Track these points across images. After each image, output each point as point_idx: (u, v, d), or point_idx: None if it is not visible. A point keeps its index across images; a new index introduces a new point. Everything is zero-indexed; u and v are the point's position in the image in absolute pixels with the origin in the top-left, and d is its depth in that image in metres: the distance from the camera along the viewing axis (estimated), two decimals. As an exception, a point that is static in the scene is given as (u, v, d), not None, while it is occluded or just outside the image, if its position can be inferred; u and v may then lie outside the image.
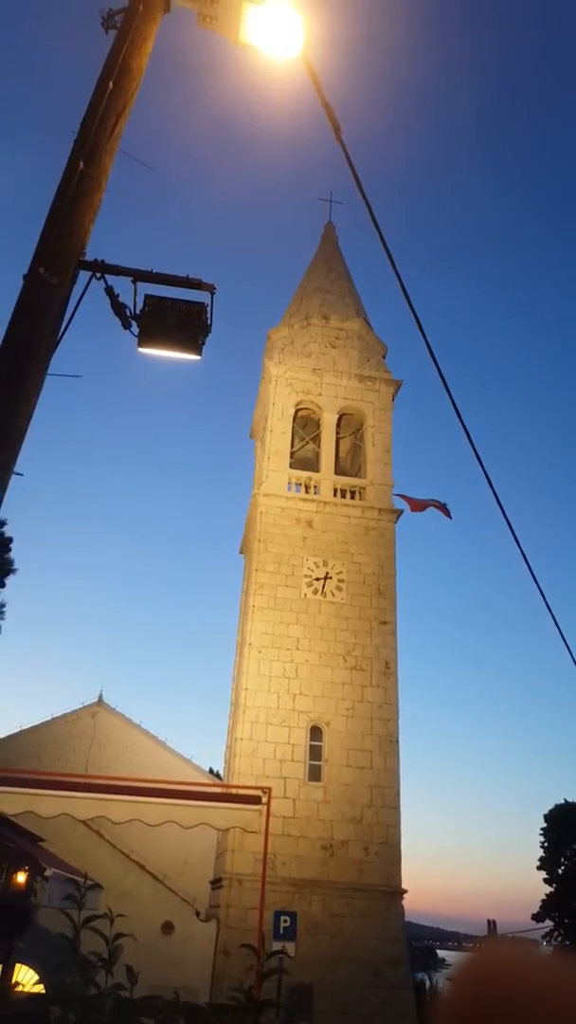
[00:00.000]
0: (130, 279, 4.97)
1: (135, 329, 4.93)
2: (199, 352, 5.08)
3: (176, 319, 4.98)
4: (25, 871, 14.94)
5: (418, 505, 21.73)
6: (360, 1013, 15.79)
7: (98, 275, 4.89)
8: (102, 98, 5.43)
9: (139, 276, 4.98)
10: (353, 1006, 15.83)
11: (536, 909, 34.21)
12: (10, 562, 19.33)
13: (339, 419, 23.49)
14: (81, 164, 5.12)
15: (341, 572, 20.59)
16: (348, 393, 23.46)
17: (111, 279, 4.94)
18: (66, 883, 12.41)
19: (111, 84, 5.46)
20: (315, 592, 20.19)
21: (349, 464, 24.70)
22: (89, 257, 5.02)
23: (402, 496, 22.01)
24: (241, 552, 24.98)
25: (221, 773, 23.89)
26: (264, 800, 9.20)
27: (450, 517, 21.90)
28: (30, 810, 9.29)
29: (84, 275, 4.98)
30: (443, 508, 21.78)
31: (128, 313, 4.93)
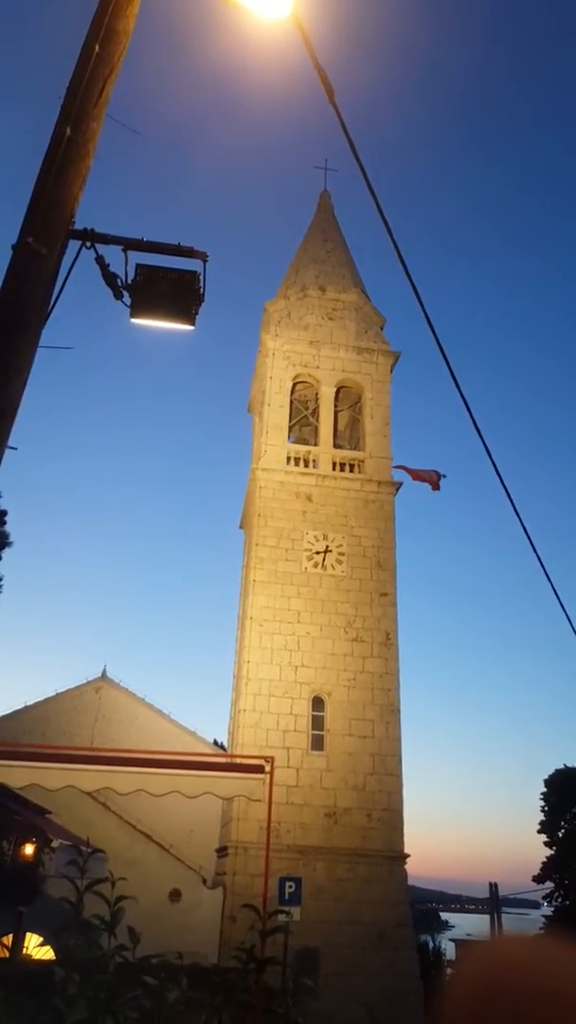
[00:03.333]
0: (120, 248, 4.90)
1: (127, 299, 4.87)
2: (192, 322, 5.03)
3: (168, 288, 4.92)
4: (33, 842, 15.22)
5: (418, 475, 21.67)
6: (365, 973, 16.18)
7: (88, 244, 4.82)
8: (88, 63, 5.30)
9: (130, 244, 4.91)
10: (358, 967, 16.21)
11: (537, 871, 34.87)
12: (5, 535, 19.30)
13: (337, 392, 23.35)
14: (68, 131, 5.02)
15: (341, 545, 20.63)
16: (346, 366, 23.29)
17: (101, 248, 4.87)
18: (73, 853, 12.64)
19: (97, 48, 5.33)
20: (315, 565, 20.25)
21: (348, 437, 24.60)
22: (78, 226, 4.95)
23: (402, 467, 21.93)
24: (241, 527, 25.01)
25: (225, 745, 24.19)
26: (267, 769, 9.31)
27: (437, 488, 21.73)
28: (36, 783, 9.43)
29: (74, 245, 4.91)
30: (435, 479, 21.64)
31: (119, 283, 4.86)
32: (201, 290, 4.99)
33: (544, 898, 35.21)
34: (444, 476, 21.82)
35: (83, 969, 2.08)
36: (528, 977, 0.57)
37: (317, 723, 18.69)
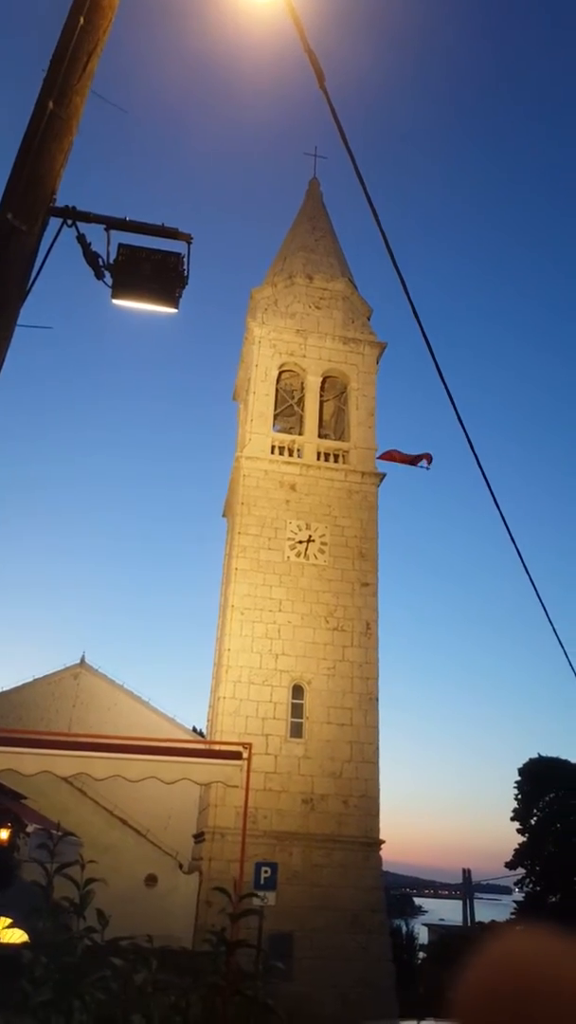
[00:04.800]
0: (103, 227, 4.82)
1: (108, 279, 4.80)
2: (175, 305, 4.97)
3: (151, 270, 4.85)
4: (7, 828, 15.18)
5: (406, 459, 21.55)
6: (339, 957, 16.37)
7: (69, 222, 4.74)
8: (72, 34, 5.19)
9: (112, 224, 4.83)
10: (332, 951, 16.39)
11: (509, 858, 35.42)
12: None
13: (323, 382, 23.29)
14: (51, 104, 4.91)
15: (324, 535, 20.65)
16: (332, 355, 23.22)
17: (83, 227, 4.79)
18: (47, 838, 12.62)
19: (82, 20, 5.22)
20: (298, 555, 20.26)
21: (333, 427, 24.58)
22: (60, 203, 4.86)
23: (390, 454, 21.73)
24: (224, 515, 24.95)
25: (204, 731, 24.24)
26: (245, 755, 9.34)
27: (413, 464, 21.55)
28: (11, 768, 9.38)
29: (55, 222, 4.82)
30: (415, 460, 21.52)
31: (101, 263, 4.79)
32: (185, 273, 4.93)
33: (516, 884, 35.80)
34: (428, 464, 21.67)
35: (51, 951, 2.08)
36: (537, 976, 0.56)
37: (296, 711, 18.78)
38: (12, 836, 15.12)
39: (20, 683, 27.16)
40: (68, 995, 2.01)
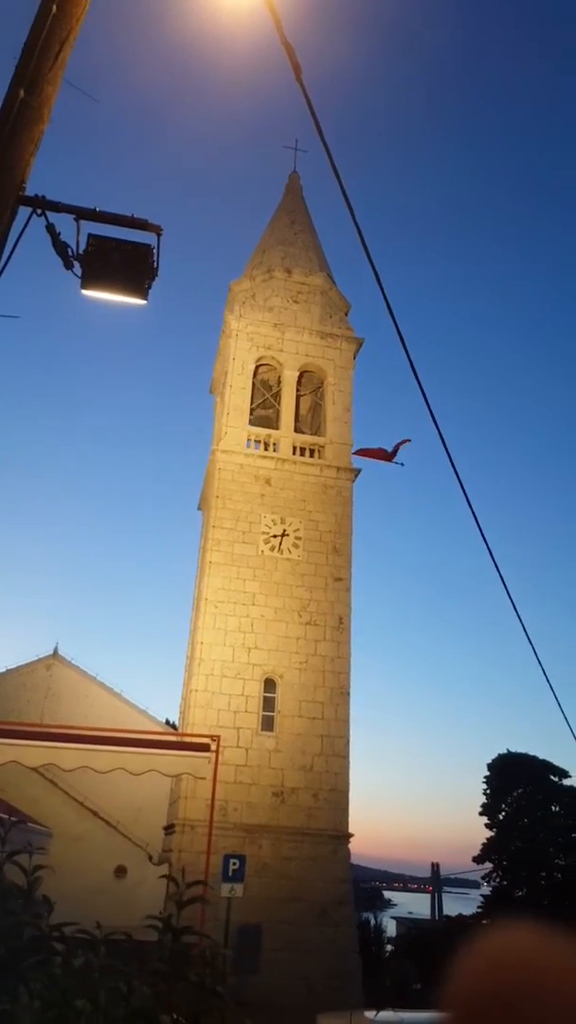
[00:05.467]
0: (73, 217, 4.81)
1: (77, 269, 4.79)
2: (145, 296, 4.97)
3: (121, 260, 4.85)
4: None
5: (382, 454, 21.54)
6: (306, 949, 16.51)
7: (39, 211, 4.72)
8: (45, 21, 5.14)
9: (82, 214, 4.82)
10: (300, 943, 16.52)
11: (477, 852, 35.92)
12: None
13: (300, 376, 23.31)
14: (22, 93, 4.88)
15: (298, 529, 20.71)
16: (309, 350, 23.25)
17: (52, 216, 4.77)
18: (20, 831, 12.57)
19: (54, 8, 5.18)
20: (272, 549, 20.31)
21: (309, 422, 24.61)
22: (30, 193, 4.83)
23: (366, 450, 21.75)
24: (199, 508, 24.90)
25: (177, 724, 24.23)
26: (213, 748, 9.41)
27: (388, 460, 21.49)
28: (-22, 758, 9.35)
29: (24, 212, 4.79)
30: (390, 455, 21.46)
31: (70, 252, 4.78)
32: (155, 264, 4.92)
33: (483, 878, 36.34)
34: (407, 442, 21.48)
35: None
36: (527, 974, 0.57)
37: (268, 704, 18.85)
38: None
39: (-9, 674, 26.88)
40: (11, 979, 2.04)
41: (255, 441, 21.84)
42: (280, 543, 20.41)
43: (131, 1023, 2.06)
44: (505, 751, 37.10)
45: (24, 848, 2.43)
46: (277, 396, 23.32)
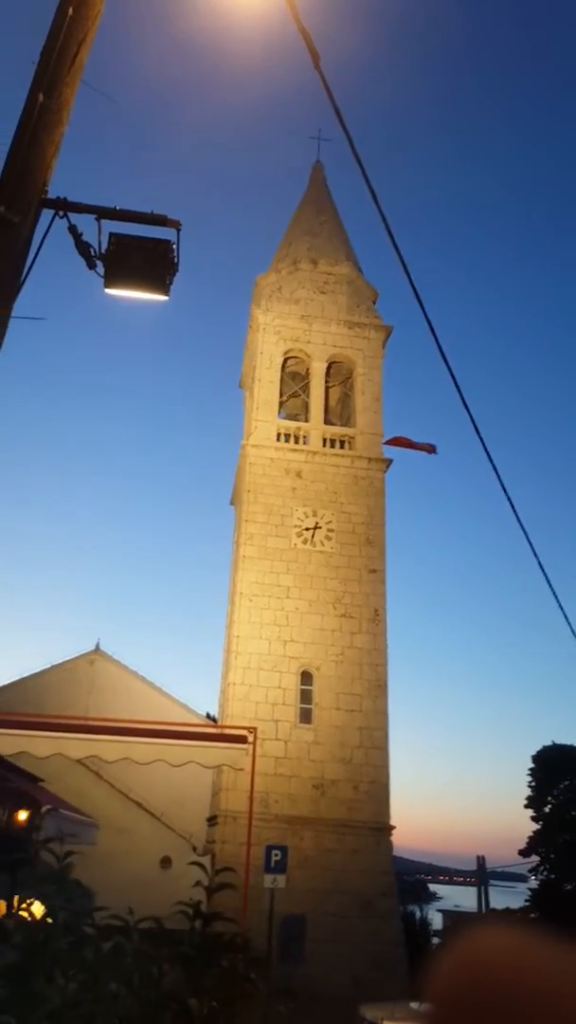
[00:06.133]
0: (94, 217, 4.86)
1: (100, 269, 4.84)
2: (166, 291, 5.00)
3: (142, 258, 4.89)
4: (26, 810, 15.41)
5: (413, 445, 21.43)
6: (351, 940, 16.55)
7: (61, 213, 4.78)
8: (61, 25, 5.21)
9: (103, 213, 4.87)
10: (344, 934, 16.58)
11: (523, 845, 35.48)
12: None
13: (328, 367, 23.22)
14: (41, 96, 4.94)
15: (331, 522, 20.68)
16: (337, 340, 23.13)
17: (75, 217, 4.83)
18: (62, 820, 12.87)
19: (70, 11, 5.23)
20: (305, 542, 20.31)
21: (339, 413, 24.52)
22: (52, 195, 4.89)
23: (397, 439, 21.63)
24: (231, 503, 25.02)
25: (217, 717, 24.45)
26: (250, 740, 9.49)
27: (420, 449, 21.41)
28: (25, 750, 9.62)
29: (47, 214, 4.86)
30: (421, 446, 21.44)
31: (93, 252, 4.83)
32: (175, 259, 4.95)
33: (530, 871, 35.83)
34: (434, 450, 21.57)
35: (30, 922, 2.18)
36: (510, 971, 0.58)
37: (305, 697, 18.90)
38: (31, 817, 15.36)
39: (36, 670, 27.48)
40: (43, 962, 2.10)
41: (285, 434, 21.85)
42: (313, 536, 20.41)
43: (162, 1006, 2.10)
44: (551, 743, 36.52)
45: (56, 835, 2.49)
46: (306, 388, 23.27)
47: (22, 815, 15.36)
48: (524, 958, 0.59)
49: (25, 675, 27.29)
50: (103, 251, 4.88)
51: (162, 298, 4.95)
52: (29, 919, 2.13)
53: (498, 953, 0.60)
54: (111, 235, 4.89)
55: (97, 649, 28.33)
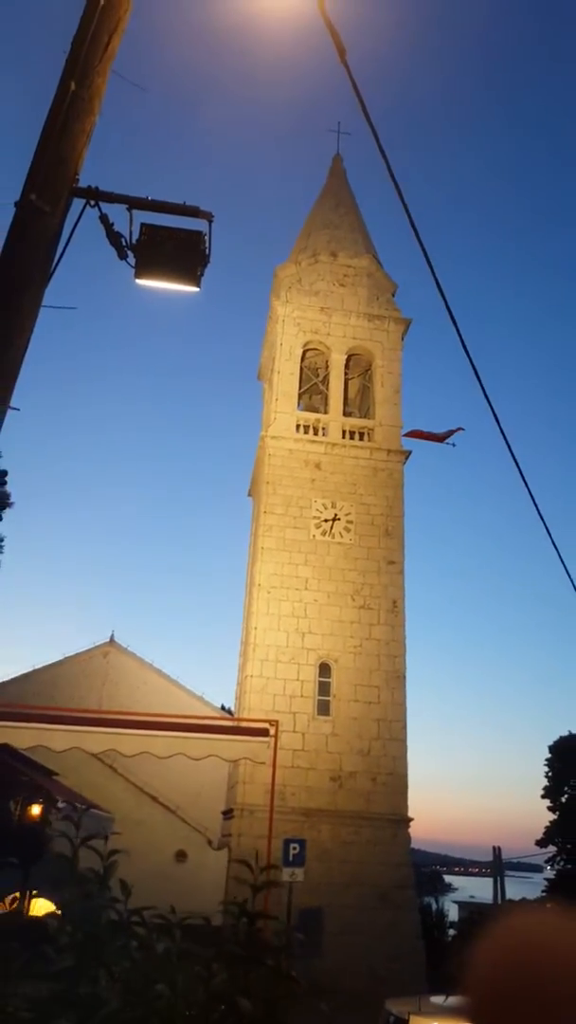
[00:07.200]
0: (125, 207, 4.81)
1: (131, 259, 4.80)
2: (197, 283, 4.95)
3: (173, 249, 4.84)
4: (40, 803, 15.56)
5: (433, 436, 21.29)
6: (368, 933, 16.57)
7: (92, 203, 4.74)
8: (93, 14, 5.15)
9: (134, 204, 4.82)
10: (362, 927, 16.59)
11: (540, 836, 35.44)
12: (6, 495, 19.26)
13: (347, 359, 23.11)
14: (73, 85, 4.89)
15: (349, 513, 20.61)
16: (357, 333, 23.00)
17: (106, 207, 4.79)
18: (72, 810, 12.98)
19: (102, 0, 5.17)
20: (323, 533, 20.27)
21: (358, 405, 24.41)
22: (82, 184, 4.85)
23: (416, 432, 21.49)
24: (249, 495, 25.01)
25: (232, 710, 24.52)
26: (272, 733, 9.47)
27: (440, 441, 21.20)
28: (42, 744, 9.62)
29: (78, 203, 4.82)
30: (441, 437, 21.22)
31: (124, 243, 4.79)
32: (207, 251, 4.90)
33: (547, 862, 35.84)
34: (461, 431, 21.25)
35: (76, 920, 2.16)
36: (551, 954, 0.55)
37: (323, 689, 18.89)
38: (44, 811, 15.51)
39: (50, 662, 27.63)
40: (92, 963, 2.09)
41: (304, 426, 21.78)
42: (331, 527, 20.35)
43: (210, 1007, 2.08)
44: (567, 733, 36.36)
45: (99, 833, 2.48)
46: (325, 380, 23.17)
47: (35, 809, 15.52)
48: (562, 939, 0.56)
49: (38, 667, 27.45)
50: (134, 241, 4.84)
51: (193, 290, 4.90)
52: (79, 917, 2.12)
53: (536, 935, 0.57)
54: (142, 225, 4.84)
55: (111, 641, 28.46)
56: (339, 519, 20.45)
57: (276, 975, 2.22)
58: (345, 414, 22.53)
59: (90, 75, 4.93)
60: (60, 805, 13.96)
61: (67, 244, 4.66)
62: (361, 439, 21.86)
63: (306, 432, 21.64)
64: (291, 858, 13.86)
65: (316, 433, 21.68)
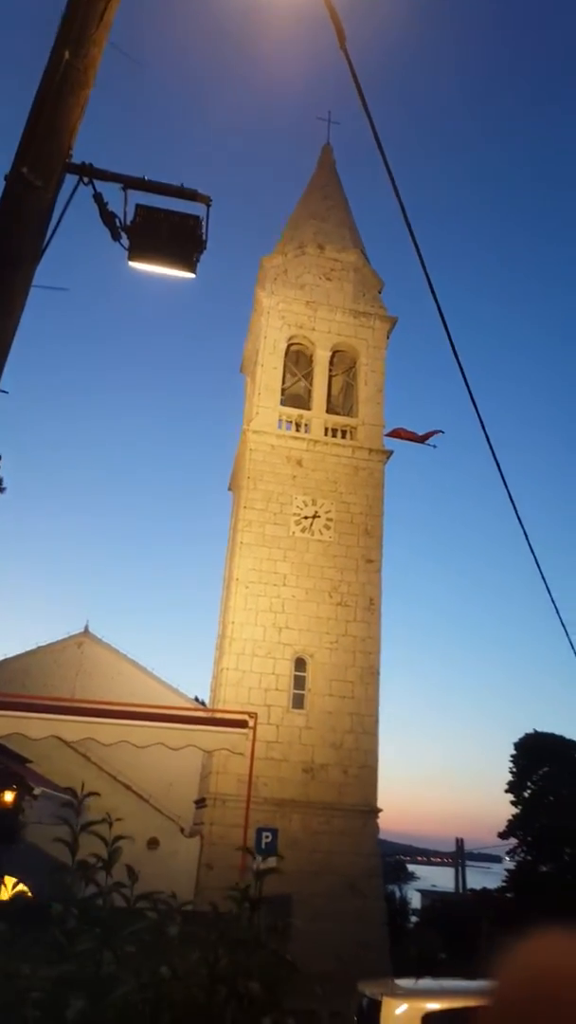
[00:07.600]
0: (120, 186, 4.72)
1: (125, 241, 4.71)
2: (193, 269, 4.88)
3: (169, 232, 4.76)
4: (13, 790, 15.37)
5: (414, 437, 21.35)
6: (336, 920, 16.71)
7: (86, 180, 4.64)
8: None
9: (130, 183, 4.73)
10: (329, 914, 16.73)
11: (501, 828, 36.09)
12: None
13: (332, 356, 23.06)
14: (67, 54, 4.77)
15: (329, 511, 20.63)
16: (342, 329, 22.95)
17: (100, 185, 4.70)
18: (53, 802, 12.85)
19: (99, -32, 5.06)
20: (303, 530, 20.27)
21: (341, 403, 24.39)
22: (76, 160, 4.75)
23: (398, 431, 21.52)
24: (230, 489, 24.90)
25: (206, 701, 24.47)
26: (251, 724, 9.48)
27: (421, 442, 21.30)
28: (18, 732, 9.52)
29: (71, 180, 4.72)
30: (423, 438, 21.31)
31: (118, 223, 4.70)
32: (203, 236, 4.83)
33: (507, 853, 36.54)
34: (440, 433, 21.38)
35: (80, 905, 2.15)
36: (568, 976, 0.54)
37: (299, 683, 18.95)
38: (17, 798, 15.33)
39: (24, 651, 27.28)
40: (100, 946, 2.07)
41: (287, 421, 21.72)
42: (311, 524, 20.36)
43: (214, 989, 2.08)
44: (532, 730, 37.06)
45: (105, 819, 2.46)
46: (309, 376, 23.10)
47: (8, 796, 15.32)
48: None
49: (11, 656, 27.10)
50: (129, 222, 4.75)
51: (188, 275, 4.83)
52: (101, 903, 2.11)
53: (556, 964, 0.56)
54: (137, 206, 4.75)
55: (86, 631, 28.17)
56: (319, 516, 20.47)
57: (277, 959, 2.22)
58: (329, 411, 22.49)
59: (85, 44, 4.79)
60: (36, 793, 13.81)
61: (59, 222, 4.56)
62: (344, 437, 21.86)
63: (289, 428, 21.59)
64: (264, 846, 13.90)
65: (299, 429, 21.64)
